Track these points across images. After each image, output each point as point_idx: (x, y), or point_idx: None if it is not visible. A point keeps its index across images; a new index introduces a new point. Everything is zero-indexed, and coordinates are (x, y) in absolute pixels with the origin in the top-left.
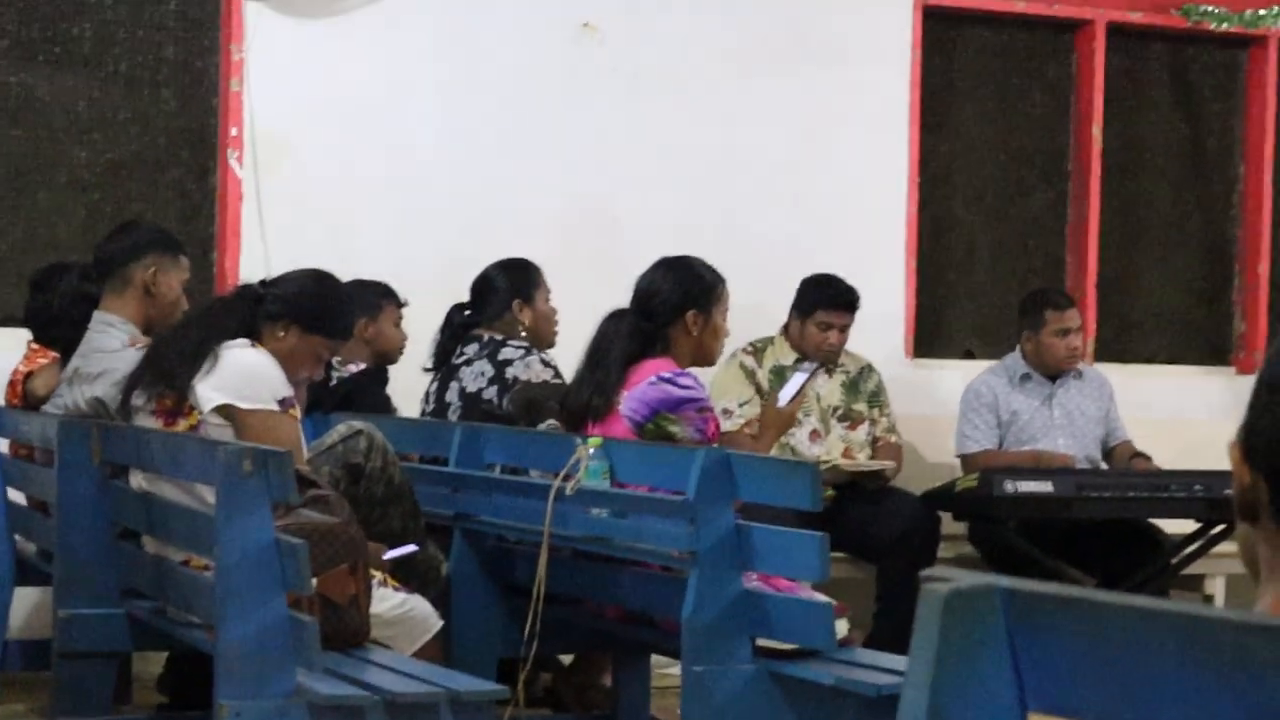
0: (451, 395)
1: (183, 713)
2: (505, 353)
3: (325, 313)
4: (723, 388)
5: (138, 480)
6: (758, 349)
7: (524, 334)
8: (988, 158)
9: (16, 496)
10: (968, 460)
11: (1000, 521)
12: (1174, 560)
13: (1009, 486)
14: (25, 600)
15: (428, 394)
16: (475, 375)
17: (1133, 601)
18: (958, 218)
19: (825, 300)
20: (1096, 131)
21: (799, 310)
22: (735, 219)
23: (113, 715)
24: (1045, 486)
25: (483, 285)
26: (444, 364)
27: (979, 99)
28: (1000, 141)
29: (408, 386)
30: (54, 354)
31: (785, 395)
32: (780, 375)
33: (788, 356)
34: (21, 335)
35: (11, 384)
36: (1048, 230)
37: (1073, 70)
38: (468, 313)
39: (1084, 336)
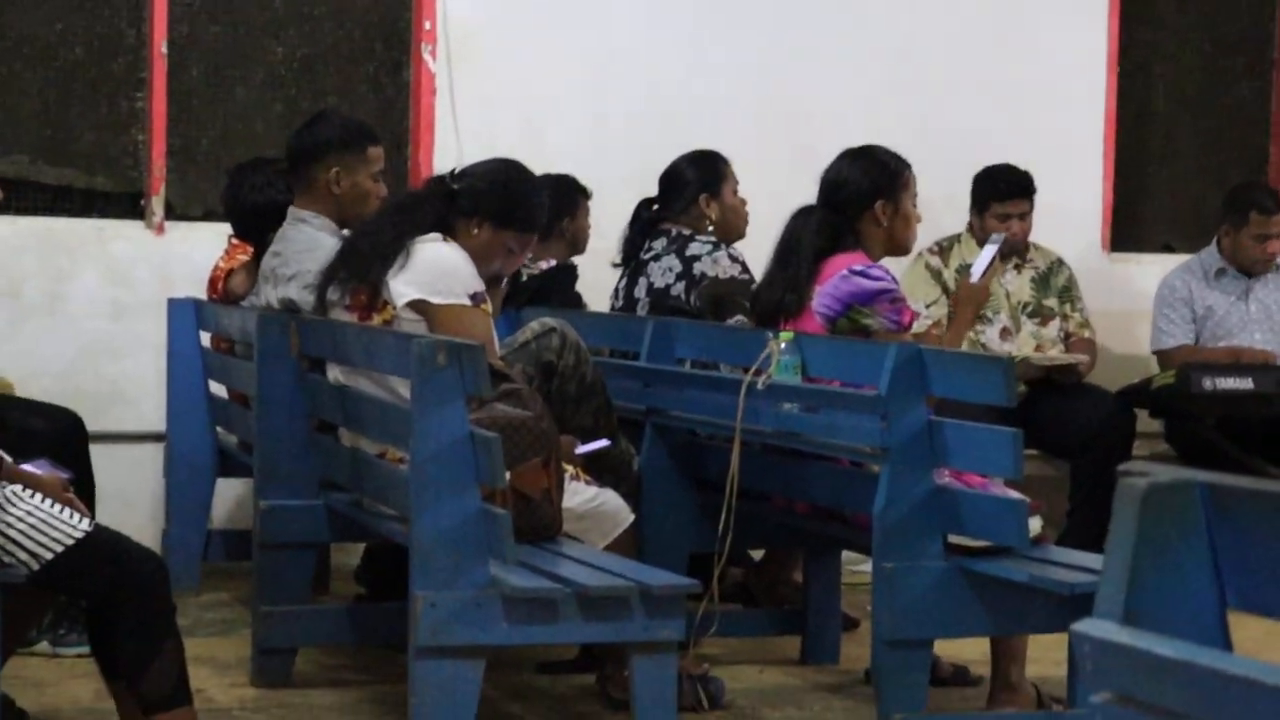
0: (640, 291)
1: (379, 603)
2: (693, 248)
3: (518, 208)
4: (908, 288)
5: (334, 374)
6: (943, 248)
7: (711, 228)
8: (1190, 47)
9: (218, 390)
10: (1164, 356)
11: (1199, 419)
12: None
13: (1207, 383)
14: (227, 492)
15: (617, 289)
16: (663, 271)
17: None
18: (1158, 109)
19: (997, 192)
20: None
21: (975, 205)
22: (927, 110)
23: (311, 604)
24: (1245, 383)
25: (670, 179)
26: (633, 259)
27: None
28: (1203, 30)
29: (599, 280)
30: (251, 250)
31: (977, 270)
32: (967, 273)
33: (974, 254)
34: (222, 229)
35: (212, 280)
36: (1251, 122)
37: None
38: (655, 207)
39: None
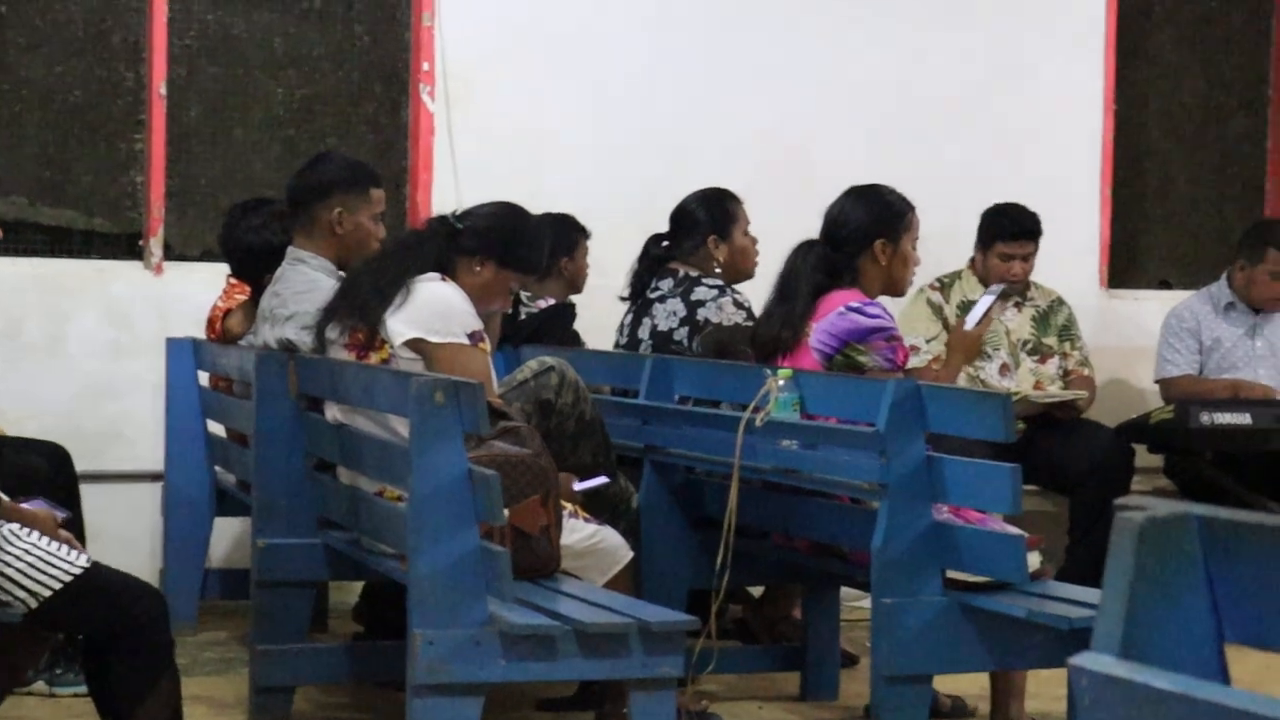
0: (643, 332)
1: (377, 641)
2: (698, 292)
3: (521, 248)
4: (909, 323)
5: (333, 412)
6: (944, 284)
7: (719, 270)
8: (1186, 83)
9: (216, 429)
10: (1166, 384)
11: (1197, 453)
12: None
13: (1205, 418)
14: (225, 531)
15: (622, 325)
16: (668, 314)
17: None
18: (1154, 146)
19: (1003, 231)
20: None
21: (980, 242)
22: (926, 148)
23: (309, 643)
24: (1243, 418)
25: (680, 217)
26: (640, 296)
27: (1177, 22)
28: (1199, 67)
29: (597, 318)
30: (249, 290)
31: (973, 318)
32: (967, 310)
33: (975, 290)
34: (220, 270)
35: (210, 320)
36: (1247, 157)
37: None
38: (665, 244)
39: None
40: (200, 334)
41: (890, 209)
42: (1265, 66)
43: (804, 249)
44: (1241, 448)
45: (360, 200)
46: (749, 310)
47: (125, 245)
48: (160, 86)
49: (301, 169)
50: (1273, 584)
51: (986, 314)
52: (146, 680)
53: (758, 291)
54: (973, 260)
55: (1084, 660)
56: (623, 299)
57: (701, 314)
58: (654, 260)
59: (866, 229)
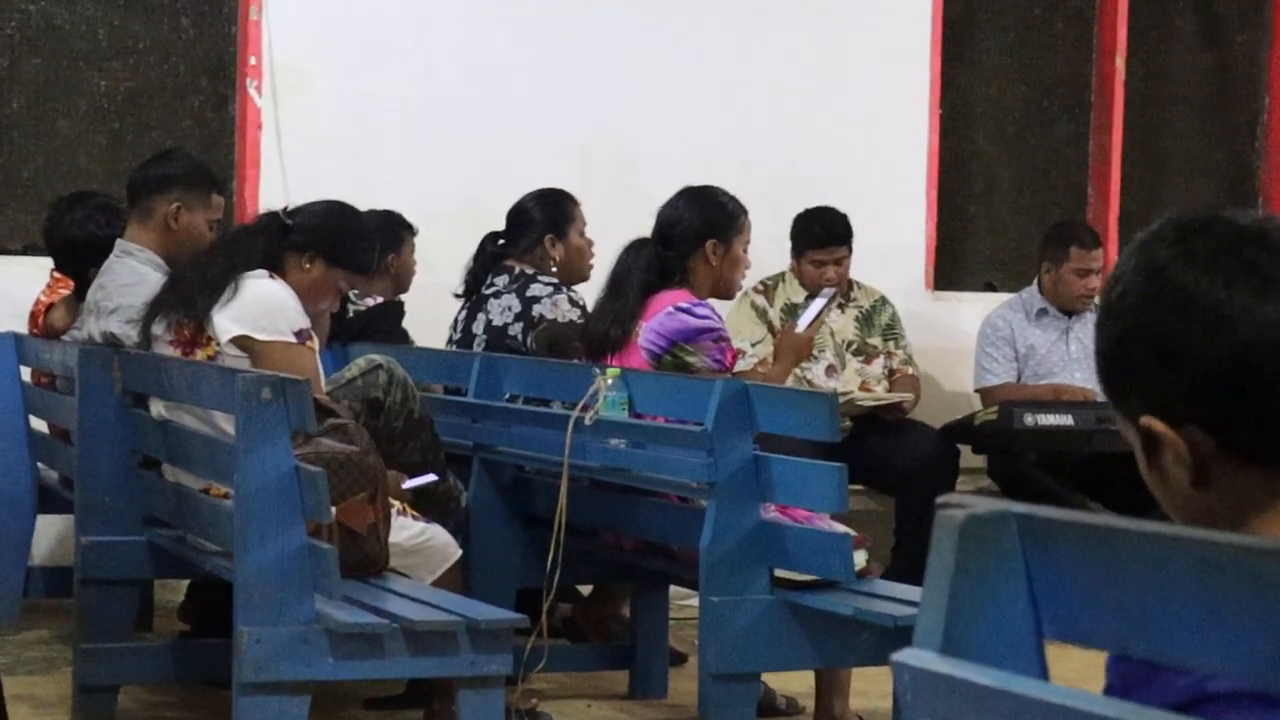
0: (478, 327)
1: (203, 640)
2: (534, 289)
3: (351, 246)
4: (734, 327)
5: (158, 408)
6: (768, 287)
7: (554, 269)
8: (1009, 89)
9: (39, 425)
10: (986, 394)
11: (1020, 454)
12: None
13: (1029, 419)
14: (48, 528)
15: (455, 321)
16: (502, 310)
17: (1149, 527)
18: (979, 149)
19: (813, 238)
20: (1120, 62)
21: (794, 250)
22: (753, 150)
23: (134, 642)
24: (1065, 419)
25: (517, 216)
26: (474, 292)
27: (1000, 29)
28: (1022, 72)
29: (426, 314)
30: (73, 284)
31: (804, 320)
32: (792, 313)
33: (798, 293)
34: (44, 264)
35: (33, 315)
36: (1070, 162)
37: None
38: (500, 242)
39: (1104, 272)
40: (22, 328)
41: (723, 210)
42: (1088, 72)
43: (635, 247)
44: (1063, 448)
45: (200, 201)
46: (584, 308)
47: None
48: None
49: (146, 161)
50: (1090, 580)
51: (818, 317)
52: None
53: (591, 293)
54: (792, 266)
55: (906, 656)
56: (457, 295)
57: (537, 310)
58: (489, 257)
59: (699, 230)
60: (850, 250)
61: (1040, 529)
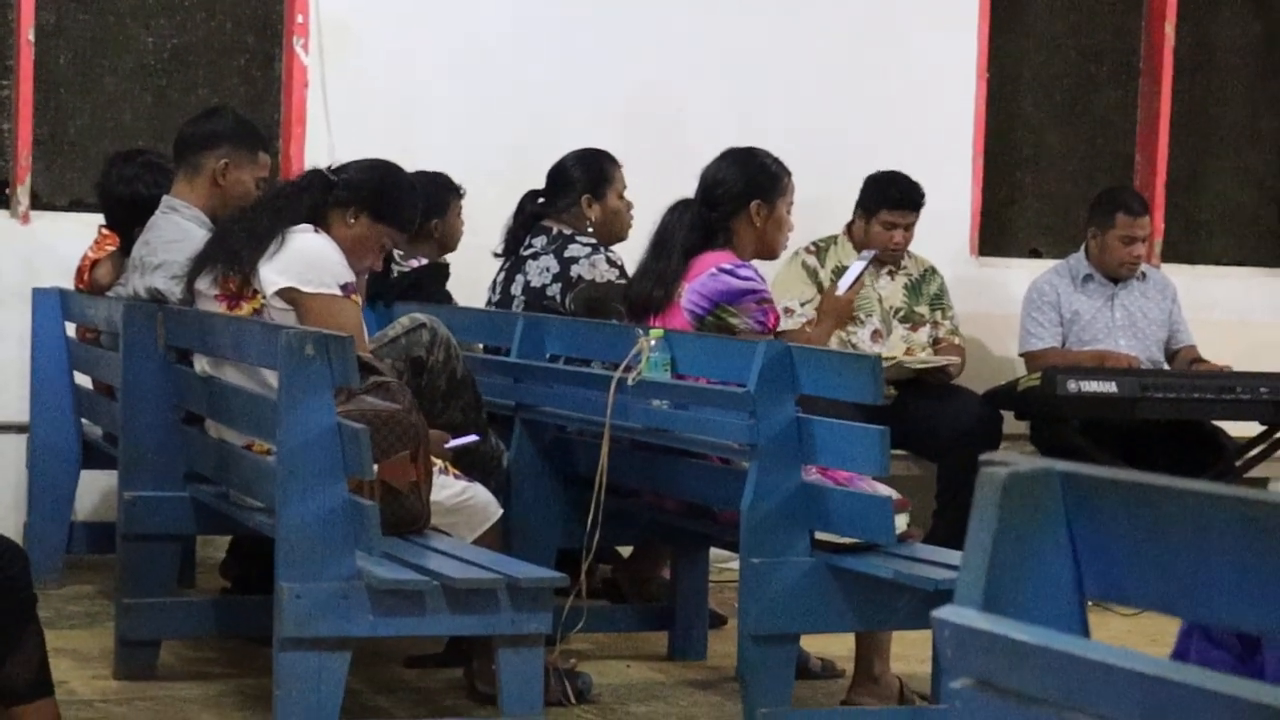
0: (516, 288)
1: (245, 596)
2: (571, 249)
3: (395, 203)
4: (784, 286)
5: (201, 364)
6: (820, 248)
7: (591, 230)
8: (1058, 55)
9: (83, 380)
10: (1030, 358)
11: (1063, 421)
12: (1238, 463)
13: (1072, 386)
14: (91, 483)
15: (494, 283)
16: (540, 270)
17: (1191, 486)
18: (1026, 116)
19: (890, 200)
20: (1169, 29)
21: (863, 209)
22: (800, 113)
23: (176, 597)
24: (1109, 386)
25: (557, 175)
26: (513, 252)
27: None
28: (1071, 39)
29: (473, 274)
30: (119, 240)
31: (844, 283)
32: (842, 275)
33: (850, 256)
34: (90, 220)
35: (79, 270)
36: (1117, 129)
37: None
38: (540, 201)
39: (1151, 241)
40: (68, 284)
41: (767, 172)
42: (1136, 39)
43: (679, 208)
44: (1107, 416)
45: (247, 158)
46: (622, 269)
47: None
48: (29, 33)
49: (194, 118)
50: (1132, 539)
51: (858, 279)
52: (10, 633)
53: (631, 255)
54: (849, 225)
55: (947, 613)
56: (496, 255)
57: (575, 270)
58: (528, 217)
59: (742, 191)
60: (918, 218)
61: (1083, 487)
